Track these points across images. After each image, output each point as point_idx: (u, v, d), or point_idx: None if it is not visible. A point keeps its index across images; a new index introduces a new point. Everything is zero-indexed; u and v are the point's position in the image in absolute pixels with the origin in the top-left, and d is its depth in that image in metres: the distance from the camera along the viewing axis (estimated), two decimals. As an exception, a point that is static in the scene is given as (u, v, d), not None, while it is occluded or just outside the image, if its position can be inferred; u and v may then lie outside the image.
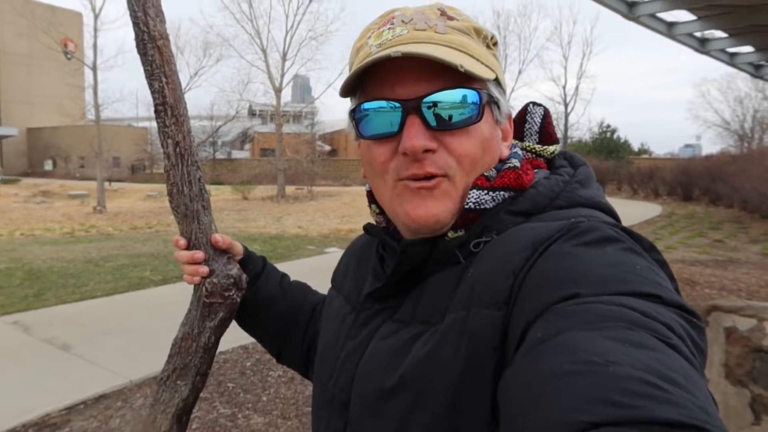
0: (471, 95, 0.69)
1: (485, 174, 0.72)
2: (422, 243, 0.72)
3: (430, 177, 0.69)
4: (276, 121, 27.60)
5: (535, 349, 0.50)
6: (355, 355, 0.75)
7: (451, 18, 0.72)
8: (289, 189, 25.36)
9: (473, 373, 0.60)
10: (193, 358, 0.87)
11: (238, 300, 0.89)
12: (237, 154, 48.24)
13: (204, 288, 0.87)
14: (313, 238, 12.72)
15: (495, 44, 0.76)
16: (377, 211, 0.81)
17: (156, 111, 0.85)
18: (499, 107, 0.74)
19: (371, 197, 0.82)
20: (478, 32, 0.72)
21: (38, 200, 23.80)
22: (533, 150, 0.81)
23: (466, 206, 0.71)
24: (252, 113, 47.56)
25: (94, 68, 21.94)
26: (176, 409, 0.86)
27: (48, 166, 43.30)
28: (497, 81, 0.74)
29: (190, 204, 0.87)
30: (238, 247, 1.02)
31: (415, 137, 0.67)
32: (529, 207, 0.71)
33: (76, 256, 9.76)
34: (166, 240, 11.94)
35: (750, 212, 14.92)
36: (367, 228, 0.84)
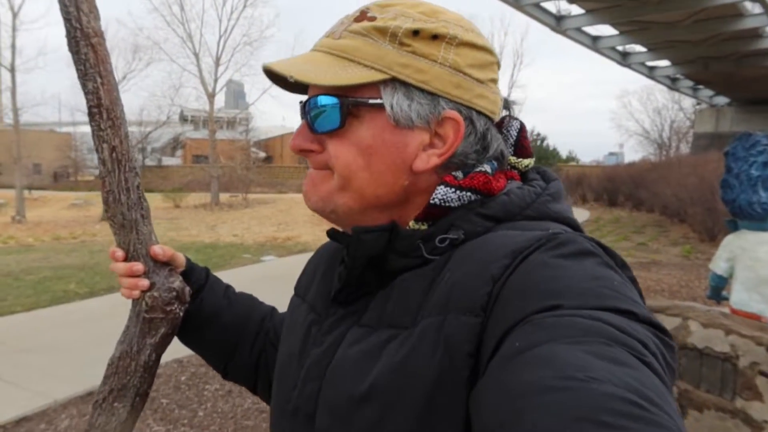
0: (328, 101, 0.70)
1: (453, 173, 0.72)
2: (377, 230, 0.70)
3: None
4: (209, 126, 26.98)
5: (514, 360, 0.48)
6: (321, 364, 0.72)
7: (371, 18, 0.70)
8: (224, 196, 24.81)
9: (448, 381, 0.58)
10: (132, 378, 0.81)
11: (181, 314, 0.84)
12: (168, 160, 46.81)
13: (144, 302, 0.82)
14: (249, 247, 12.48)
15: (420, 36, 0.68)
16: None
17: (90, 114, 0.79)
18: (404, 109, 0.69)
19: None
20: (382, 32, 0.68)
21: (-51, 210, 22.24)
22: (509, 162, 0.79)
23: (432, 201, 0.70)
24: (184, 119, 46.26)
25: (12, 70, 20.78)
26: None
27: (-40, 173, 40.57)
28: (402, 81, 0.68)
29: (128, 213, 0.82)
30: (181, 259, 0.96)
31: (294, 137, 0.75)
32: (499, 212, 0.70)
33: (-8, 269, 9.16)
34: (92, 251, 11.41)
35: (669, 216, 15.77)
36: (330, 233, 0.81)
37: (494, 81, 0.74)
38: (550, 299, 0.54)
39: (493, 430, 0.44)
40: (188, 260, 1.00)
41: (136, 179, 0.83)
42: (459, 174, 0.72)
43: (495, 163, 0.75)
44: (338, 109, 0.69)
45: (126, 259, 0.83)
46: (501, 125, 0.79)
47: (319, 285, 0.83)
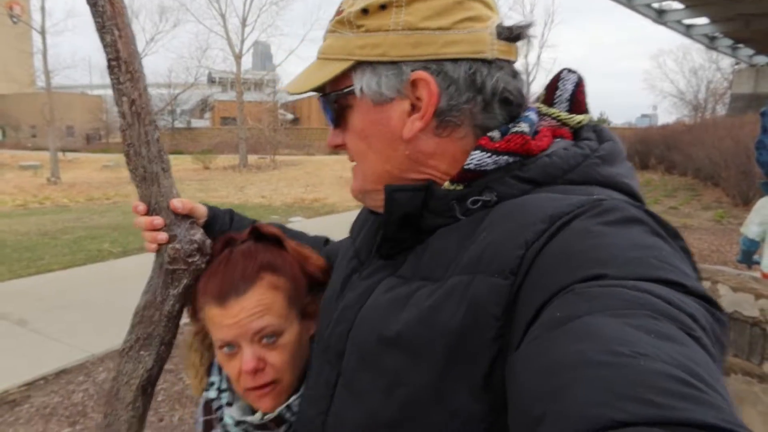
0: (322, 101, 0.77)
1: (489, 135, 0.70)
2: (410, 189, 0.71)
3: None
4: (236, 88, 27.01)
5: (556, 331, 0.47)
6: (353, 307, 0.74)
7: (339, 12, 0.74)
8: (252, 158, 24.96)
9: (469, 340, 0.58)
10: (156, 327, 0.84)
11: (203, 266, 0.86)
12: (197, 122, 47.12)
13: (166, 254, 0.83)
14: (277, 208, 12.61)
15: (369, 13, 0.70)
16: None
17: (109, 67, 0.80)
18: (372, 87, 0.71)
19: None
20: (342, 22, 0.72)
21: (-13, 172, 22.85)
22: (558, 117, 0.76)
23: (466, 166, 0.69)
24: (211, 80, 46.40)
25: (42, 32, 20.99)
26: (140, 380, 0.83)
27: (-3, 136, 41.54)
28: (365, 62, 0.71)
29: (149, 166, 0.83)
30: (201, 210, 0.98)
31: (329, 136, 0.81)
32: (538, 175, 0.67)
33: (30, 228, 9.45)
34: (125, 211, 11.66)
35: (703, 180, 15.39)
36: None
37: (469, 19, 0.69)
38: (594, 268, 0.51)
39: (532, 402, 0.43)
40: (210, 209, 1.03)
41: (156, 133, 0.84)
42: (495, 135, 0.70)
43: (534, 117, 0.72)
44: (329, 105, 0.76)
45: (148, 213, 0.85)
46: (557, 79, 0.77)
47: (366, 233, 0.85)
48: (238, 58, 25.47)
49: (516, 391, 0.47)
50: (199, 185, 16.44)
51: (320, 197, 14.09)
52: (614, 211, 0.58)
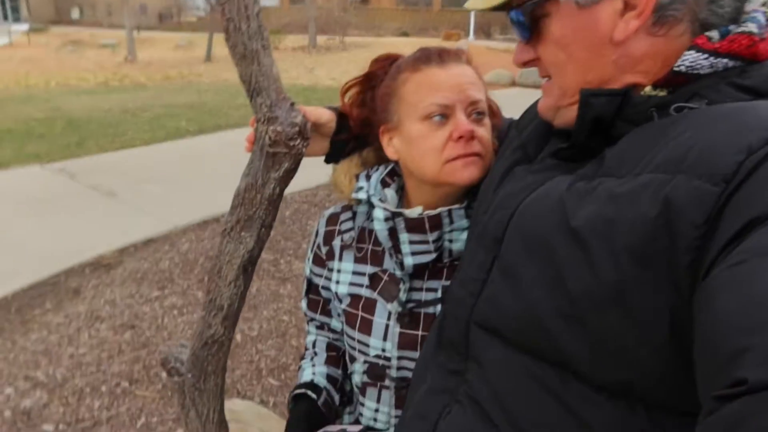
0: (514, 12, 0.71)
1: (707, 34, 0.62)
2: (606, 94, 0.65)
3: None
4: (306, -36, 25.96)
5: None
6: (517, 196, 0.71)
7: None
8: (321, 39, 24.47)
9: (659, 243, 0.53)
10: (257, 210, 0.84)
11: (304, 150, 0.84)
12: (266, 1, 46.18)
13: (267, 137, 0.81)
14: (347, 92, 12.48)
15: None
16: None
17: None
18: None
19: None
20: None
21: (69, 49, 23.55)
22: None
23: (676, 68, 0.62)
24: (280, -45, 44.71)
25: None
26: (241, 260, 0.85)
27: (75, 14, 42.25)
28: None
29: (249, 43, 0.79)
30: (327, 115, 1.00)
31: (514, 53, 0.77)
32: (762, 84, 0.59)
33: (112, 105, 9.82)
34: (199, 90, 11.88)
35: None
36: None
37: None
38: None
39: (731, 332, 0.40)
40: (336, 110, 1.04)
41: (256, 6, 0.79)
42: (714, 35, 0.62)
43: (763, 21, 0.63)
44: (523, 16, 0.70)
45: (248, 92, 0.83)
46: None
47: (537, 127, 0.81)
48: (307, -71, 24.24)
49: (710, 318, 0.44)
50: (269, 66, 16.32)
51: (390, 81, 13.79)
52: None
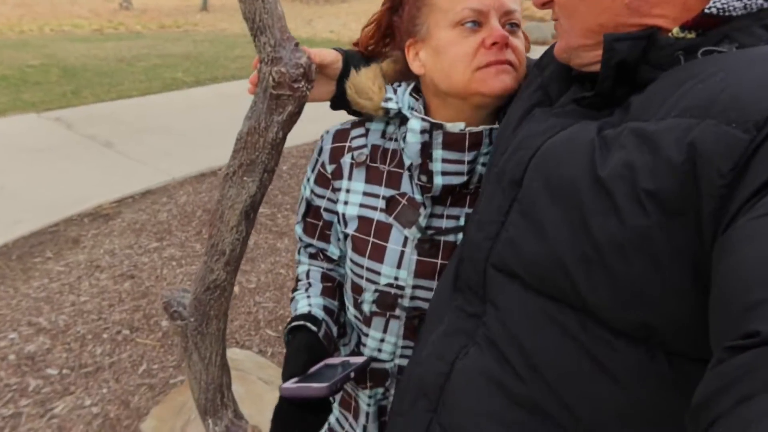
0: None
1: None
2: (630, 37, 0.61)
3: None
4: None
5: None
6: (539, 136, 0.69)
7: None
8: (320, -10, 23.88)
9: (685, 189, 0.51)
10: (260, 154, 0.82)
11: (308, 93, 0.82)
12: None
13: (271, 77, 0.79)
14: (346, 44, 12.16)
15: None
16: None
17: None
18: None
19: None
20: None
21: (62, -7, 22.91)
22: None
23: (708, 10, 0.58)
24: None
25: None
26: (244, 205, 0.84)
27: (67, -45, 40.97)
28: None
29: None
30: (331, 56, 0.96)
31: None
32: None
33: (108, 54, 9.64)
34: (195, 40, 11.64)
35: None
36: None
37: None
38: None
39: (748, 285, 0.40)
40: (342, 52, 1.00)
41: None
42: None
43: None
44: None
45: (251, 30, 0.80)
46: None
47: (559, 68, 0.78)
48: None
49: (730, 268, 0.43)
50: (267, 16, 15.94)
51: (390, 34, 13.52)
52: None
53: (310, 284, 1.10)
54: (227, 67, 8.87)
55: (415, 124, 0.89)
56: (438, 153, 0.89)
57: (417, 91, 0.97)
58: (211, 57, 9.68)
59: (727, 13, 0.57)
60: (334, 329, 1.05)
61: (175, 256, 3.51)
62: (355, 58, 1.01)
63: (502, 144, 0.78)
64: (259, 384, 2.39)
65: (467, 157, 0.88)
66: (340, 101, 1.02)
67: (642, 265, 0.54)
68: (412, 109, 0.94)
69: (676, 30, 0.60)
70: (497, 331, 0.69)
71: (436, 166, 0.89)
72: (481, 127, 0.88)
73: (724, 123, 0.49)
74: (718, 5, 0.57)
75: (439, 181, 0.89)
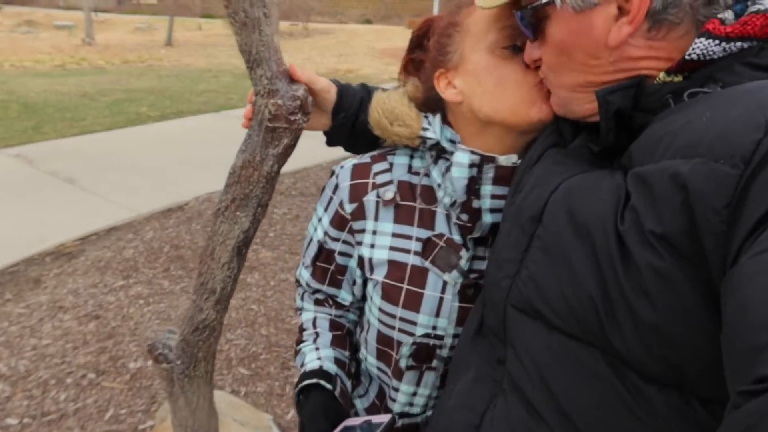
0: (517, 14, 0.73)
1: (720, 16, 0.60)
2: (620, 88, 0.64)
3: None
4: (270, -52, 25.44)
5: None
6: (558, 175, 0.69)
7: None
8: (284, 25, 24.10)
9: (685, 230, 0.51)
10: (254, 188, 0.80)
11: (304, 125, 0.81)
12: (228, -15, 45.15)
13: (267, 110, 0.78)
14: (312, 79, 12.33)
15: None
16: None
17: None
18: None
19: None
20: None
21: (23, 30, 22.57)
22: None
23: (688, 57, 0.60)
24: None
25: None
26: (236, 241, 0.82)
27: (27, -9, 40.59)
28: None
29: (251, 10, 0.75)
30: (322, 82, 0.92)
31: (525, 51, 0.78)
32: None
33: (70, 89, 9.48)
34: (160, 75, 11.57)
35: None
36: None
37: None
38: None
39: (754, 327, 0.40)
40: (338, 84, 0.96)
41: None
42: (728, 16, 0.60)
43: None
44: (525, 19, 0.71)
45: (248, 63, 0.79)
46: None
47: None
48: None
49: (735, 310, 0.43)
50: (232, 50, 16.02)
51: (354, 68, 13.68)
52: None
53: (317, 334, 1.00)
54: (193, 102, 8.82)
55: (462, 157, 0.84)
56: (487, 189, 0.83)
57: (444, 122, 0.91)
58: (176, 91, 9.61)
59: (707, 58, 0.59)
60: (348, 384, 0.97)
61: (142, 294, 3.40)
62: (350, 91, 0.98)
63: (519, 181, 0.78)
64: (234, 426, 2.30)
65: None
66: (336, 136, 0.98)
67: (666, 308, 0.53)
68: (452, 141, 0.88)
69: (662, 75, 0.62)
70: (521, 376, 0.66)
71: (485, 203, 0.84)
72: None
73: (712, 160, 0.50)
74: (698, 52, 0.59)
75: (488, 219, 0.84)
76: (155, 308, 3.25)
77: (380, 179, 0.91)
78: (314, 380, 0.90)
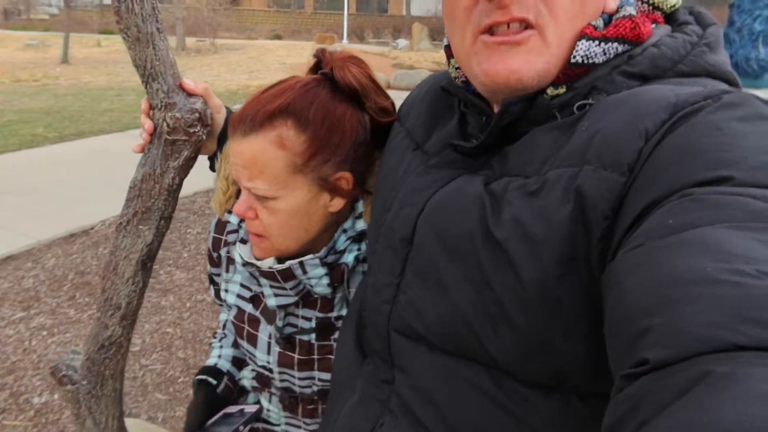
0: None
1: (593, 23, 0.63)
2: (523, 100, 0.64)
3: (518, 26, 0.62)
4: (171, -38, 24.81)
5: (667, 240, 0.42)
6: (425, 191, 0.68)
7: None
8: (190, 41, 23.48)
9: (578, 236, 0.52)
10: (156, 201, 0.80)
11: (204, 137, 0.82)
12: (128, 0, 43.37)
13: (165, 123, 0.78)
14: (221, 94, 12.00)
15: None
16: (456, 66, 0.75)
17: None
18: None
19: (449, 52, 0.75)
20: None
21: None
22: (649, 2, 0.68)
23: (573, 60, 0.62)
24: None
25: None
26: (140, 254, 0.81)
27: None
28: None
29: (143, 25, 0.75)
30: (216, 100, 0.92)
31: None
32: (647, 69, 0.61)
33: (-47, 111, 8.79)
34: (56, 94, 10.94)
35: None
36: (445, 87, 0.77)
37: None
38: (718, 169, 0.45)
39: (634, 314, 0.41)
40: (229, 112, 0.97)
41: None
42: (599, 23, 0.64)
43: (633, 1, 0.65)
44: None
45: (143, 78, 0.79)
46: None
47: (421, 114, 0.80)
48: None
49: (615, 301, 0.44)
50: (134, 69, 15.37)
51: (265, 84, 13.50)
52: (744, 104, 0.51)
53: (225, 334, 1.16)
54: (94, 121, 8.39)
55: (237, 256, 0.94)
56: (264, 281, 0.93)
57: None
58: (75, 111, 9.12)
59: (591, 61, 0.62)
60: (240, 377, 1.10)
61: (45, 324, 3.20)
62: None
63: (384, 200, 0.76)
64: (151, 453, 2.21)
65: (288, 285, 0.91)
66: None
67: (543, 315, 0.55)
68: (244, 239, 0.97)
69: (550, 89, 0.64)
70: (410, 398, 0.67)
71: (266, 291, 0.94)
72: (287, 264, 0.88)
73: (602, 168, 0.53)
74: (582, 53, 0.62)
75: (272, 302, 0.93)
76: (60, 338, 3.07)
77: (231, 238, 1.03)
78: (203, 376, 1.04)
